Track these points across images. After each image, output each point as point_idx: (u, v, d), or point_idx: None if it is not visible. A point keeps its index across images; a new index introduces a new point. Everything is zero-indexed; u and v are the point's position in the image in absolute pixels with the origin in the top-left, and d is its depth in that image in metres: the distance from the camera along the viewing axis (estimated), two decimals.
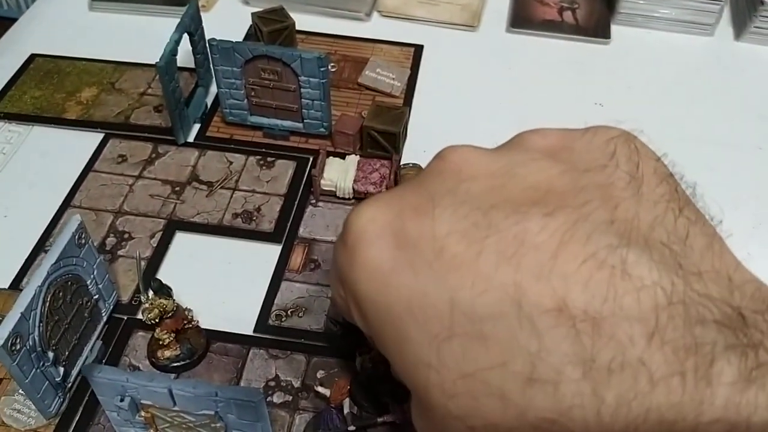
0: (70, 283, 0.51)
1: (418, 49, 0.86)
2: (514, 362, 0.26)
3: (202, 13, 0.74)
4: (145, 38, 0.86)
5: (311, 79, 0.68)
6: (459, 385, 0.28)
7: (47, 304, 0.49)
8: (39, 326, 0.48)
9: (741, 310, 0.25)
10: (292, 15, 0.81)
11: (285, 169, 0.71)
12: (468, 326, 0.27)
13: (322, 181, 0.67)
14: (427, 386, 0.29)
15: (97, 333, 0.57)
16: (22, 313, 0.46)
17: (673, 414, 0.24)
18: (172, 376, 0.55)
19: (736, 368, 0.24)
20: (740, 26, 0.88)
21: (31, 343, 0.47)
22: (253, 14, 0.81)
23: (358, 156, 0.70)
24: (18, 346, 0.46)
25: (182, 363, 0.55)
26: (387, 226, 0.31)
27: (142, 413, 0.46)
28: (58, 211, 0.67)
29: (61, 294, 0.50)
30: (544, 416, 0.26)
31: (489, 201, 0.29)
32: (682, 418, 0.24)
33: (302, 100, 0.70)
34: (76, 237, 0.52)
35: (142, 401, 0.45)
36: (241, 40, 0.84)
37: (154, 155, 0.73)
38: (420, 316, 0.29)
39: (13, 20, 0.93)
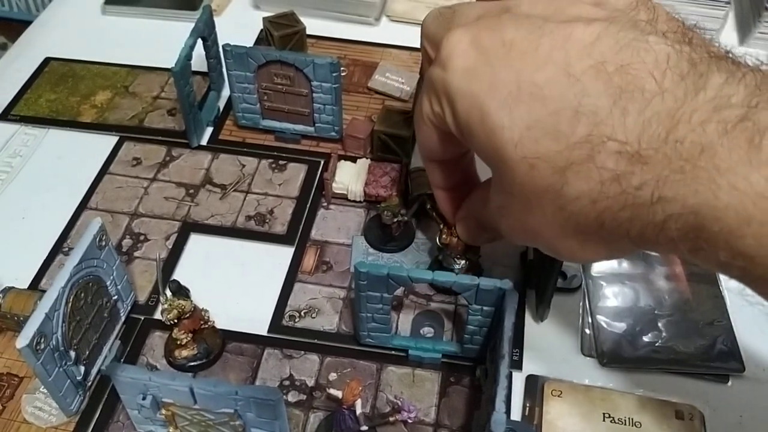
0: (90, 284, 0.53)
1: None
2: (564, 108, 0.37)
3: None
4: (158, 42, 0.87)
5: (323, 84, 0.69)
6: (524, 136, 0.39)
7: (69, 304, 0.50)
8: (62, 326, 0.49)
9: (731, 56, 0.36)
10: (303, 19, 0.82)
11: (297, 172, 0.73)
12: (531, 91, 0.39)
13: (334, 185, 0.69)
14: (502, 145, 0.40)
15: (115, 333, 0.58)
16: (46, 313, 0.47)
17: (675, 106, 0.34)
18: (189, 375, 0.56)
19: (723, 76, 0.34)
20: (745, 31, 0.89)
21: (54, 343, 0.49)
22: (264, 19, 0.82)
23: (368, 159, 0.71)
24: (42, 346, 0.47)
25: (199, 362, 0.57)
26: (469, 41, 0.42)
27: (163, 411, 0.48)
28: (74, 213, 0.68)
29: (82, 295, 0.52)
30: (585, 135, 0.37)
31: (543, 17, 0.41)
32: (677, 108, 0.34)
33: (314, 104, 0.71)
34: (97, 239, 0.53)
35: (163, 399, 0.47)
36: (251, 44, 0.85)
37: (168, 158, 0.74)
38: (496, 95, 0.40)
39: (25, 22, 0.94)
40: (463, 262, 0.60)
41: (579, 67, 0.37)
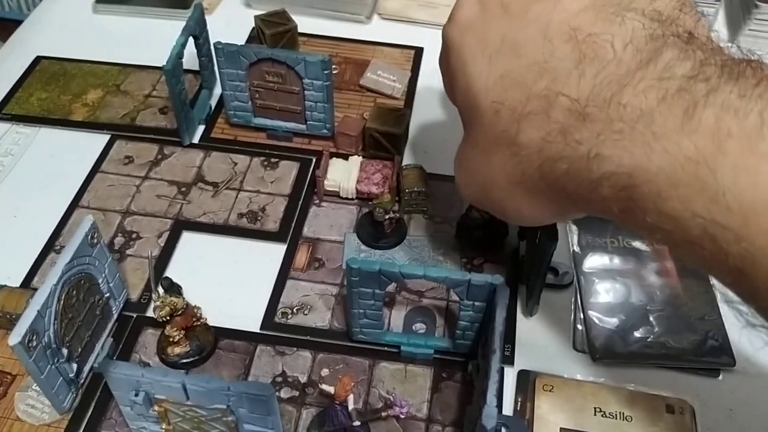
0: (83, 281, 0.53)
1: (419, 52, 0.87)
2: (533, 64, 0.41)
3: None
4: (149, 41, 0.87)
5: (315, 82, 0.69)
6: (497, 83, 0.43)
7: (61, 302, 0.50)
8: (54, 323, 0.49)
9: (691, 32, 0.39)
10: (294, 17, 0.82)
11: (289, 169, 0.73)
12: (511, 47, 0.43)
13: (326, 182, 0.69)
14: (476, 91, 0.45)
15: (108, 330, 0.58)
16: (38, 310, 0.47)
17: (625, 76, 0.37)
18: (182, 371, 0.56)
19: (675, 52, 0.37)
20: (735, 28, 0.89)
21: (46, 340, 0.49)
22: (255, 17, 0.82)
23: (360, 157, 0.71)
24: (34, 343, 0.47)
25: (191, 359, 0.57)
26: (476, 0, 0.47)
27: (156, 408, 0.48)
28: (66, 211, 0.68)
29: (74, 292, 0.52)
30: (543, 89, 0.40)
31: None
32: (627, 76, 0.37)
33: (306, 102, 0.71)
34: (89, 237, 0.53)
35: (155, 396, 0.47)
36: (243, 42, 0.85)
37: (159, 156, 0.74)
38: (483, 49, 0.45)
39: (16, 21, 0.94)
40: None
41: (556, 31, 0.41)
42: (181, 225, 0.68)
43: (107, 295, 0.57)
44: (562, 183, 0.41)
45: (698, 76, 0.35)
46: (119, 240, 0.66)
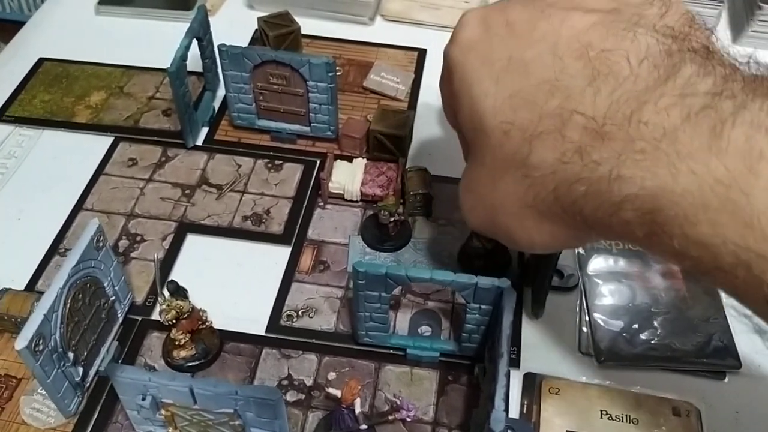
0: (88, 285, 0.53)
1: (422, 53, 0.87)
2: (543, 82, 0.40)
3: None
4: (152, 42, 0.87)
5: (319, 84, 0.69)
6: (505, 104, 0.42)
7: (68, 305, 0.50)
8: (60, 327, 0.49)
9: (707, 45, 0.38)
10: (297, 19, 0.82)
11: (293, 172, 0.73)
12: (517, 67, 0.41)
13: (330, 184, 0.69)
14: (483, 111, 0.43)
15: (113, 334, 0.58)
16: (44, 314, 0.47)
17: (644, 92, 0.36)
18: (188, 375, 0.56)
19: (695, 67, 0.36)
20: (738, 29, 0.89)
21: (52, 344, 0.49)
22: (259, 19, 0.82)
23: (364, 159, 0.71)
24: (41, 347, 0.47)
25: (197, 363, 0.57)
26: (479, 19, 0.46)
27: (163, 412, 0.48)
28: (70, 213, 0.68)
29: (80, 296, 0.52)
30: (556, 107, 0.39)
31: (549, 3, 0.43)
32: (646, 92, 0.36)
33: (310, 104, 0.71)
34: (95, 240, 0.53)
35: (162, 400, 0.47)
36: (246, 43, 0.85)
37: (163, 158, 0.74)
38: (488, 68, 0.43)
39: (18, 23, 0.94)
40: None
41: (566, 48, 0.39)
42: (185, 228, 0.68)
43: (113, 298, 0.57)
44: (580, 206, 0.39)
45: (723, 93, 0.34)
46: (123, 243, 0.66)
